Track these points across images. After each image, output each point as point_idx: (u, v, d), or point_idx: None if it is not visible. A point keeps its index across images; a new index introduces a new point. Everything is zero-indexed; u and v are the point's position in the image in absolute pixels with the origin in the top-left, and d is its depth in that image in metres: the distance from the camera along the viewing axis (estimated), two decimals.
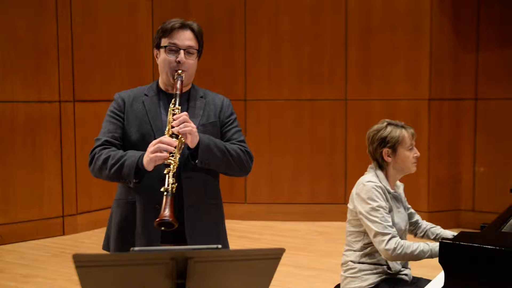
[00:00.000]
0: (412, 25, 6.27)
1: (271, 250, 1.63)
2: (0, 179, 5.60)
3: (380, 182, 2.77)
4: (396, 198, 2.85)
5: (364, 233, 2.77)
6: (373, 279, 2.74)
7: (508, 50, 6.03)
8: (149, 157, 2.27)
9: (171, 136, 2.30)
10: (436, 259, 2.07)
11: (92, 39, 6.18)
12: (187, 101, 2.53)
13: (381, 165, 2.84)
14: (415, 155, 2.84)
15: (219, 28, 6.72)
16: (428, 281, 2.81)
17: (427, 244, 2.65)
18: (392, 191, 2.81)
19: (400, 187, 2.99)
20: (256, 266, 1.65)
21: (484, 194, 6.20)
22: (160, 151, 2.25)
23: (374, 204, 2.69)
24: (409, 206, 3.01)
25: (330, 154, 6.62)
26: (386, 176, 2.83)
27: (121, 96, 2.54)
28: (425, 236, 2.99)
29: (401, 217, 2.83)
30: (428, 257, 2.63)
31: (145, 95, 2.52)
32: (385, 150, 2.80)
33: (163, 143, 2.26)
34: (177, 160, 2.27)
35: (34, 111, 5.78)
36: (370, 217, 2.68)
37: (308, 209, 6.62)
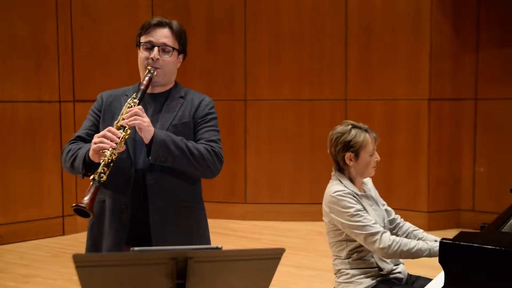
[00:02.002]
0: (412, 25, 6.26)
1: (271, 250, 1.63)
2: (0, 179, 5.60)
3: (346, 188, 2.75)
4: (366, 196, 2.83)
5: (346, 241, 2.75)
6: (367, 282, 2.72)
7: (508, 50, 6.03)
8: (92, 148, 2.26)
9: (118, 127, 2.27)
10: (436, 259, 2.07)
11: (92, 39, 6.18)
12: (164, 100, 2.49)
13: (341, 168, 2.82)
14: (376, 159, 2.82)
15: (219, 28, 6.72)
16: (426, 279, 2.81)
17: (426, 243, 2.63)
18: (360, 193, 2.79)
19: (368, 183, 2.95)
20: (256, 266, 1.64)
21: (484, 194, 6.19)
22: (101, 141, 2.23)
23: (351, 210, 2.67)
24: (384, 202, 2.97)
25: None
26: (350, 179, 2.81)
27: (102, 95, 2.55)
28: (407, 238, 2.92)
29: (377, 214, 2.81)
30: (426, 256, 2.61)
31: (126, 95, 2.50)
32: (348, 154, 2.77)
33: (106, 136, 2.24)
34: (116, 151, 2.24)
35: (34, 111, 5.78)
36: (353, 223, 2.65)
37: (308, 209, 6.61)
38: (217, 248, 1.60)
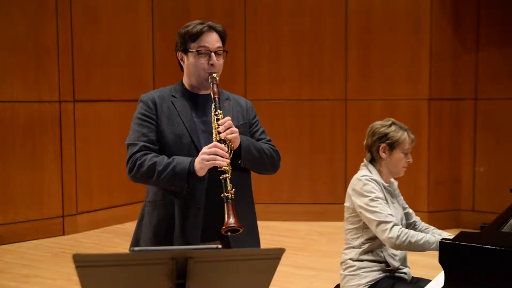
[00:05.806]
0: (412, 25, 6.27)
1: (271, 250, 1.63)
2: (0, 179, 5.60)
3: (373, 176, 2.82)
4: (390, 193, 2.88)
5: (363, 229, 2.79)
6: (372, 276, 2.75)
7: (508, 50, 6.03)
8: (205, 164, 2.32)
9: (219, 141, 2.35)
10: (436, 259, 2.07)
11: (92, 39, 6.18)
12: (210, 101, 2.52)
13: (375, 159, 2.87)
14: (408, 160, 2.88)
15: None
16: (428, 281, 2.81)
17: (434, 235, 2.69)
18: (386, 184, 2.85)
19: (394, 183, 3.01)
20: (256, 266, 1.65)
21: (484, 194, 6.19)
22: (215, 159, 2.31)
23: (372, 195, 2.73)
24: (407, 206, 3.02)
25: (330, 154, 6.62)
26: (379, 171, 2.87)
27: (150, 97, 2.51)
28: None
29: (396, 211, 2.85)
30: (433, 249, 2.63)
31: (173, 96, 2.52)
32: (383, 146, 2.84)
33: (218, 154, 2.31)
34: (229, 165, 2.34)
35: (34, 111, 5.78)
36: (370, 208, 2.71)
37: (308, 209, 6.61)
38: (217, 248, 1.60)
